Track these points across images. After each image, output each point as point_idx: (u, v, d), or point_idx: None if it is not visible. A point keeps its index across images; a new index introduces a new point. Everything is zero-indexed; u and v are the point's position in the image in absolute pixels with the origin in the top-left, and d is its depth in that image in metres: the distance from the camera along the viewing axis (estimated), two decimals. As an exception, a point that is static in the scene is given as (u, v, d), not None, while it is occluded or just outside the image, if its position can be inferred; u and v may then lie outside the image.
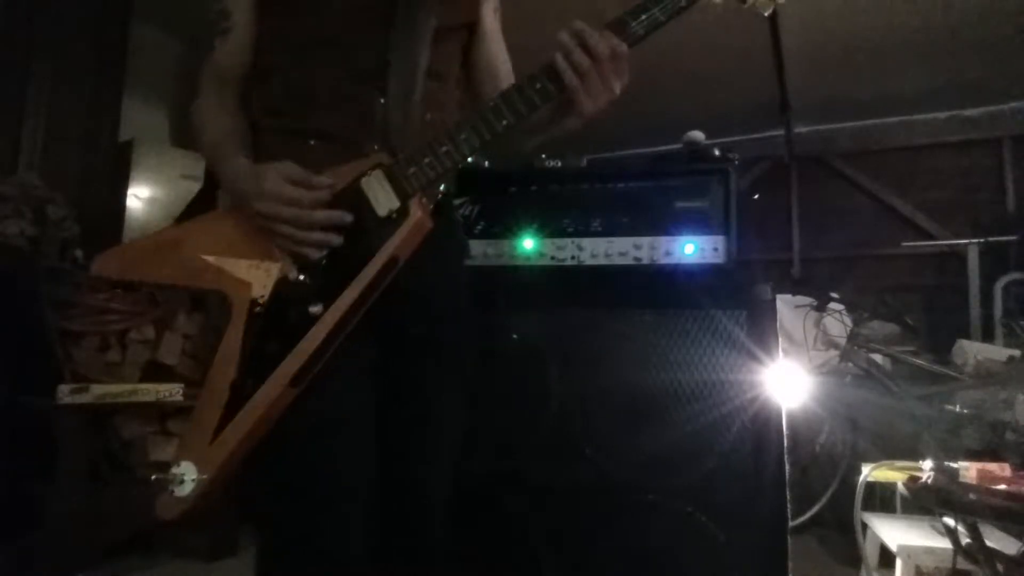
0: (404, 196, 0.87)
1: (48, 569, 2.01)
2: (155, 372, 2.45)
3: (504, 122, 0.85)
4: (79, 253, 2.63)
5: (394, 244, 0.86)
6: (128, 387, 2.27)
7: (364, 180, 0.88)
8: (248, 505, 0.87)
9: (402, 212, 0.87)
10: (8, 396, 2.06)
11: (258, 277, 0.89)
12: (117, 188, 3.29)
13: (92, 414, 2.21)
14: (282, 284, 0.88)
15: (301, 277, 0.88)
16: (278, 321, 0.87)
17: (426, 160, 0.86)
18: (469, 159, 0.89)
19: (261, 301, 0.88)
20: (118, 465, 2.31)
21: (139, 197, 3.34)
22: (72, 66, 3.11)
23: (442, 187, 0.95)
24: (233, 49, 0.98)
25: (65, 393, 2.06)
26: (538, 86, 0.84)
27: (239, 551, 2.39)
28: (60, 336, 2.22)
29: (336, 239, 0.87)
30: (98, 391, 2.15)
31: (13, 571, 1.95)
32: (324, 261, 0.88)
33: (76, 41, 3.15)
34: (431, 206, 0.91)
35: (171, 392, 2.31)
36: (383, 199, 0.87)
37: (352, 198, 0.88)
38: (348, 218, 0.87)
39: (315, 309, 0.85)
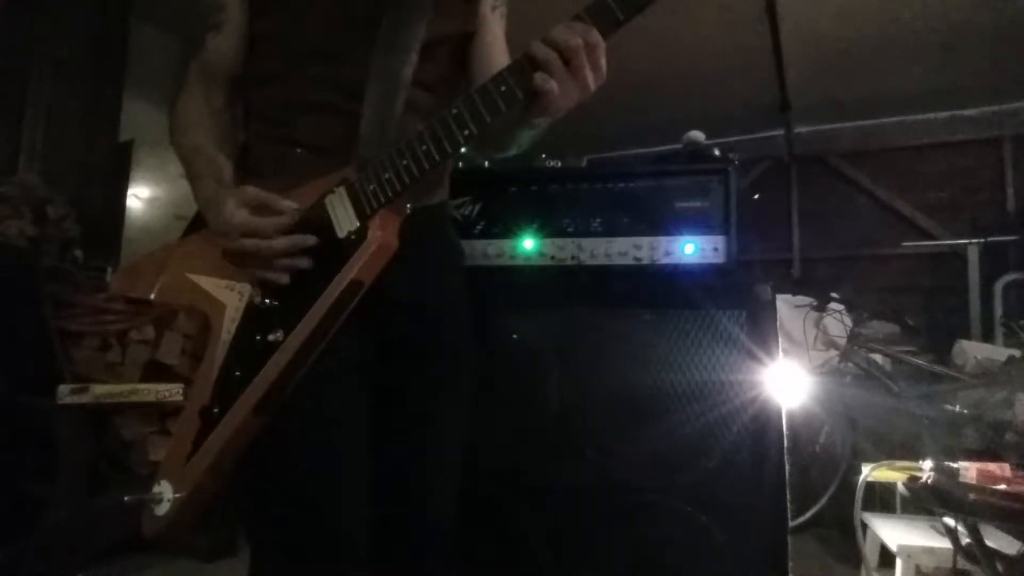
0: (363, 216, 0.82)
1: (48, 569, 2.01)
2: (155, 372, 2.45)
3: (466, 131, 0.77)
4: (79, 253, 2.63)
5: (353, 269, 0.80)
6: (128, 387, 2.27)
7: (328, 198, 0.84)
8: (241, 509, 0.87)
9: (361, 233, 0.81)
10: (8, 396, 2.06)
11: (232, 299, 0.88)
12: (117, 188, 3.29)
13: (92, 414, 2.21)
14: (250, 308, 0.87)
15: (267, 301, 0.86)
16: (245, 347, 0.85)
17: (386, 176, 0.80)
18: (439, 164, 0.81)
19: (233, 324, 0.87)
20: (118, 465, 2.32)
21: (139, 197, 3.34)
22: (72, 66, 3.11)
23: (408, 205, 0.88)
24: (225, 45, 0.96)
25: (65, 393, 2.06)
26: (503, 88, 0.76)
27: (239, 551, 2.39)
28: (60, 336, 2.22)
29: (303, 262, 0.83)
30: (98, 391, 2.14)
31: (13, 571, 1.95)
32: (289, 285, 0.84)
33: (76, 41, 3.15)
34: (399, 223, 0.85)
35: (171, 392, 2.30)
36: (343, 219, 0.82)
37: (318, 217, 0.84)
38: (310, 241, 0.83)
39: (275, 336, 0.82)
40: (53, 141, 2.99)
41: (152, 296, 0.97)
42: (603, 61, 0.75)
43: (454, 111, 0.78)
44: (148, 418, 2.40)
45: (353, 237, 0.82)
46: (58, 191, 2.65)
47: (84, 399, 2.10)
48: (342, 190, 0.83)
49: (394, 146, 0.82)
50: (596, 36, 0.73)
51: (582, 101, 0.78)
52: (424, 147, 0.79)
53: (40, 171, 2.85)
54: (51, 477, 2.05)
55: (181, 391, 2.32)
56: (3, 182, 2.50)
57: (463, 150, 0.83)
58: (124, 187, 3.30)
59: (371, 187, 0.81)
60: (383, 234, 0.81)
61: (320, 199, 0.84)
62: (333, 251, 0.82)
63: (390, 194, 0.81)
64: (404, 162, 0.80)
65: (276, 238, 0.82)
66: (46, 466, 2.05)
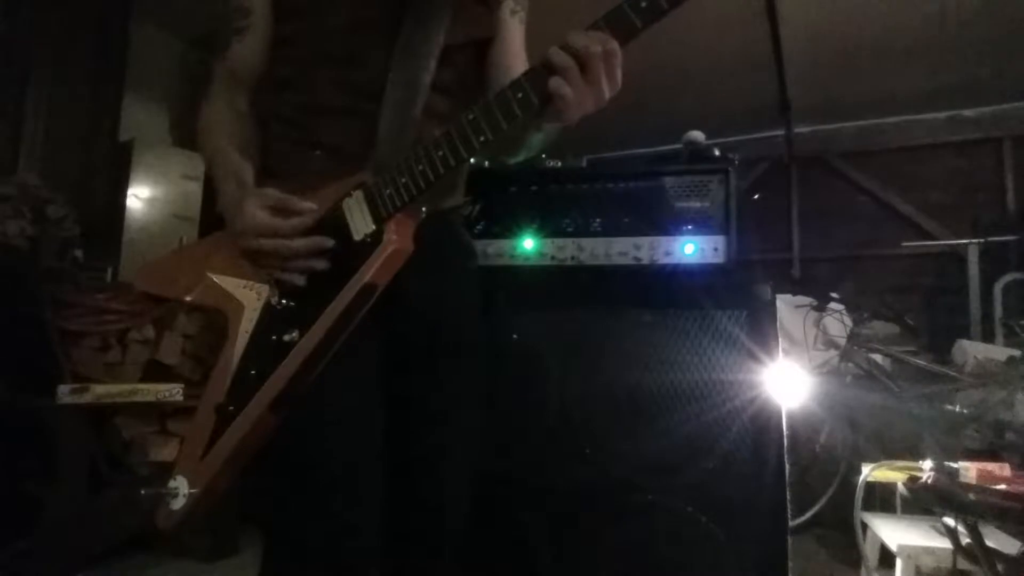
0: (379, 219, 0.83)
1: (48, 569, 2.01)
2: (155, 372, 2.45)
3: (482, 137, 0.78)
4: (79, 253, 2.63)
5: (368, 272, 0.81)
6: (128, 387, 2.27)
7: (345, 201, 0.85)
8: (250, 505, 0.89)
9: (376, 237, 0.83)
10: (8, 396, 2.06)
11: (250, 299, 0.89)
12: (117, 188, 3.29)
13: (92, 414, 2.21)
14: (267, 308, 0.88)
15: (284, 302, 0.87)
16: (261, 346, 0.86)
17: (403, 180, 0.82)
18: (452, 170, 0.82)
19: (251, 323, 0.88)
20: (118, 465, 2.32)
21: (139, 197, 3.34)
22: (72, 66, 3.12)
23: (423, 208, 0.88)
24: (249, 49, 0.97)
25: (65, 393, 2.07)
26: (519, 95, 0.76)
27: (239, 551, 2.39)
28: (60, 336, 2.22)
29: (320, 264, 0.85)
30: (98, 391, 2.15)
31: (13, 571, 1.95)
32: (305, 286, 0.85)
33: (76, 41, 3.15)
34: (414, 226, 0.86)
35: (171, 392, 2.31)
36: (360, 222, 0.84)
37: (335, 220, 0.85)
38: (328, 243, 0.84)
39: (291, 336, 0.83)
40: (53, 141, 3.00)
41: (175, 295, 0.98)
42: (619, 71, 0.74)
43: (470, 116, 0.78)
44: (148, 418, 2.40)
45: (369, 240, 0.83)
46: (58, 191, 2.65)
47: (84, 399, 2.10)
48: (359, 193, 0.84)
49: (411, 150, 0.82)
50: (614, 45, 0.72)
51: (597, 109, 0.77)
52: (440, 152, 0.80)
53: (40, 171, 2.85)
54: (51, 477, 2.05)
55: (181, 391, 2.32)
56: (3, 182, 2.50)
57: (476, 156, 0.83)
58: (124, 187, 3.29)
59: (387, 191, 0.82)
60: (398, 237, 0.82)
61: (338, 202, 0.86)
62: (349, 254, 0.83)
63: (406, 198, 0.82)
64: (420, 167, 0.81)
65: (294, 239, 0.84)
66: (46, 466, 2.05)
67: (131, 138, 3.36)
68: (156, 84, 3.60)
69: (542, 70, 0.75)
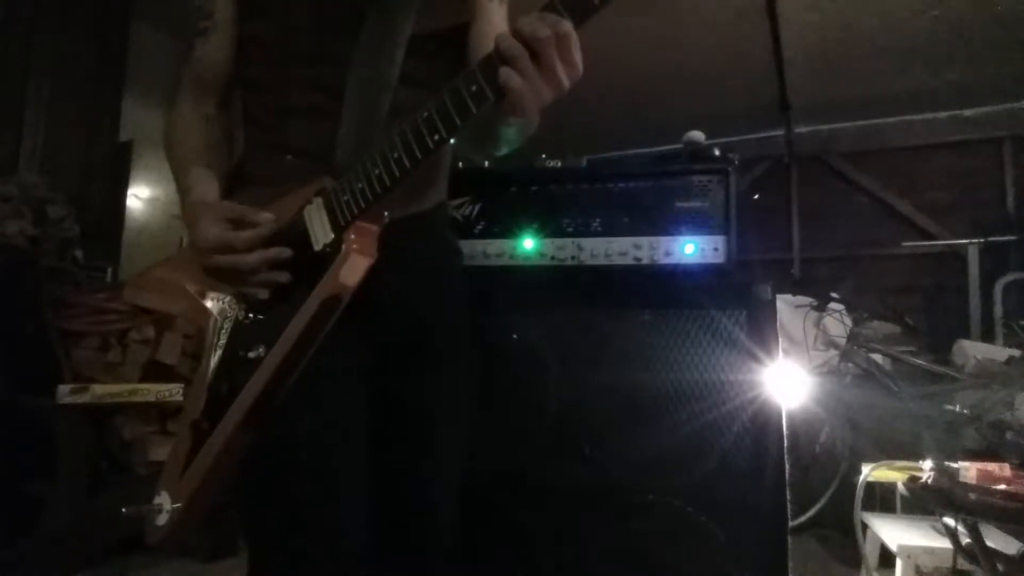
0: (338, 228, 0.79)
1: (48, 569, 2.01)
2: (155, 372, 2.45)
3: (436, 136, 0.71)
4: (79, 253, 2.63)
5: (327, 285, 0.77)
6: (128, 387, 2.27)
7: (306, 209, 0.82)
8: (242, 510, 0.88)
9: (335, 246, 0.79)
10: (8, 396, 2.06)
11: (222, 312, 0.88)
12: (117, 188, 3.30)
13: (92, 414, 2.21)
14: (236, 323, 0.86)
15: (251, 316, 0.85)
16: (230, 362, 0.85)
17: (359, 186, 0.76)
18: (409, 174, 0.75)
19: (223, 338, 0.87)
20: (118, 465, 2.32)
21: (139, 197, 3.34)
22: (72, 66, 3.12)
23: (386, 213, 0.82)
24: (214, 50, 0.94)
25: (65, 393, 2.07)
26: (473, 88, 0.68)
27: (239, 551, 2.39)
28: (60, 336, 2.22)
29: (282, 276, 0.82)
30: (98, 391, 2.15)
31: (13, 571, 1.95)
32: (270, 300, 0.83)
33: (76, 41, 3.15)
34: (377, 232, 0.81)
35: (171, 392, 2.31)
36: (319, 231, 0.80)
37: (297, 230, 0.82)
38: (285, 253, 0.81)
39: (257, 352, 0.81)
40: (53, 141, 2.99)
41: (163, 308, 0.98)
42: (577, 55, 0.67)
43: (424, 114, 0.72)
44: (148, 418, 2.40)
45: (328, 250, 0.80)
46: (58, 191, 2.65)
47: (84, 399, 2.10)
48: (319, 201, 0.81)
49: (370, 153, 0.78)
50: (566, 27, 0.65)
51: (558, 98, 0.70)
52: (396, 154, 0.74)
53: (40, 171, 2.85)
54: (51, 477, 2.05)
55: (181, 391, 2.32)
56: (3, 182, 2.50)
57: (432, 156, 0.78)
58: (124, 187, 3.30)
59: (345, 198, 0.78)
60: (358, 246, 0.78)
61: (299, 210, 0.82)
62: (311, 265, 0.80)
63: (363, 204, 0.77)
64: (376, 171, 0.76)
65: (249, 252, 0.81)
66: (46, 466, 2.05)
67: (131, 138, 3.36)
68: (156, 84, 3.59)
69: (495, 59, 0.67)
